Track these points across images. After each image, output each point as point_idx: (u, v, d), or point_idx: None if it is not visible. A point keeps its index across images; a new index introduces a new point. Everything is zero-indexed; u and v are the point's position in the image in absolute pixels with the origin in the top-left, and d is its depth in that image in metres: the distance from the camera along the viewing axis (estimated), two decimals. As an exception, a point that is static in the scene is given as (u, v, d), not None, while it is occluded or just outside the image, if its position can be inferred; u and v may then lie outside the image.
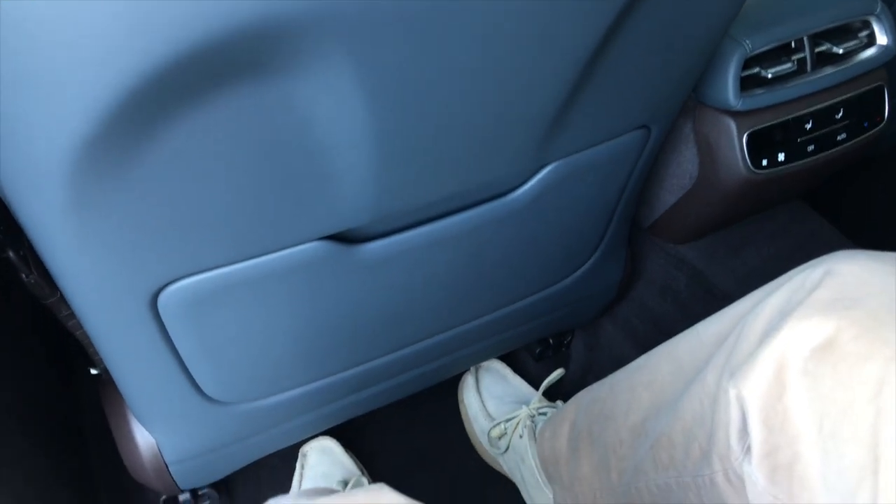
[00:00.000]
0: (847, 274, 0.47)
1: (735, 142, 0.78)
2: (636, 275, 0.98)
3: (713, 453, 0.55)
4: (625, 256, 0.91)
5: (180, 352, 0.62)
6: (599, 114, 0.62)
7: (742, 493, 0.53)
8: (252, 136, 0.46)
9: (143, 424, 0.73)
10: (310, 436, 0.93)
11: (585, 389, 0.82)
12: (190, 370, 0.65)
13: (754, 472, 0.49)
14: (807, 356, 0.46)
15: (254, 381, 0.70)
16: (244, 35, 0.38)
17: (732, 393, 0.50)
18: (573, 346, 1.10)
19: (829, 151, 0.83)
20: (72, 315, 0.66)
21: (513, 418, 0.96)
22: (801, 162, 0.81)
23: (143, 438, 0.74)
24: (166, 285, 0.55)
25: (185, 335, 0.61)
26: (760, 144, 0.79)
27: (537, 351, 1.09)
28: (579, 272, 0.86)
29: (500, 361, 1.07)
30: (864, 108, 0.84)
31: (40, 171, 0.42)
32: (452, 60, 0.45)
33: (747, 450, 0.50)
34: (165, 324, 0.59)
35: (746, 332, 0.53)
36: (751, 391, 0.48)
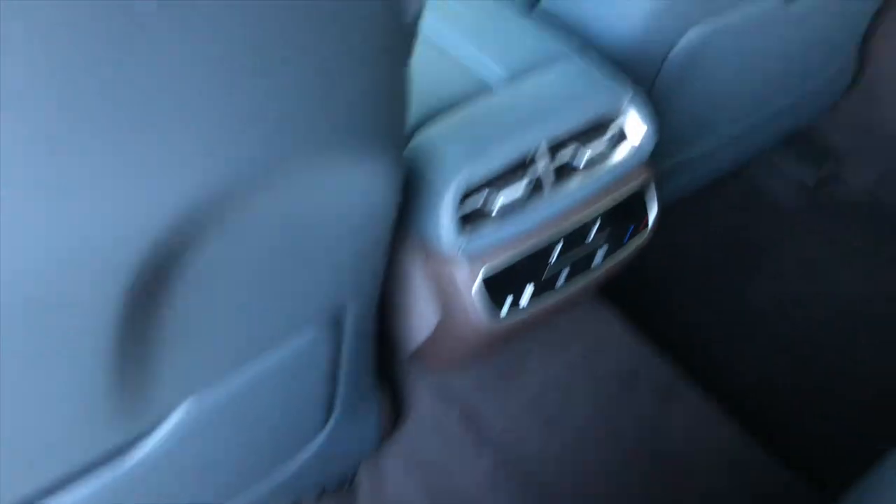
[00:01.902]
0: None
1: (467, 290, 0.64)
2: (405, 411, 0.85)
3: None
4: (378, 401, 0.77)
5: None
6: (225, 343, 0.46)
7: None
8: None
9: None
10: None
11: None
12: None
13: None
14: None
15: None
16: None
17: None
18: (357, 481, 0.96)
19: (586, 275, 0.70)
20: None
21: None
22: (552, 294, 0.69)
23: None
24: None
25: None
26: (500, 286, 0.66)
27: (318, 493, 0.94)
28: (318, 439, 0.72)
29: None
30: (623, 217, 0.71)
31: None
32: None
33: None
34: None
35: None
36: None
